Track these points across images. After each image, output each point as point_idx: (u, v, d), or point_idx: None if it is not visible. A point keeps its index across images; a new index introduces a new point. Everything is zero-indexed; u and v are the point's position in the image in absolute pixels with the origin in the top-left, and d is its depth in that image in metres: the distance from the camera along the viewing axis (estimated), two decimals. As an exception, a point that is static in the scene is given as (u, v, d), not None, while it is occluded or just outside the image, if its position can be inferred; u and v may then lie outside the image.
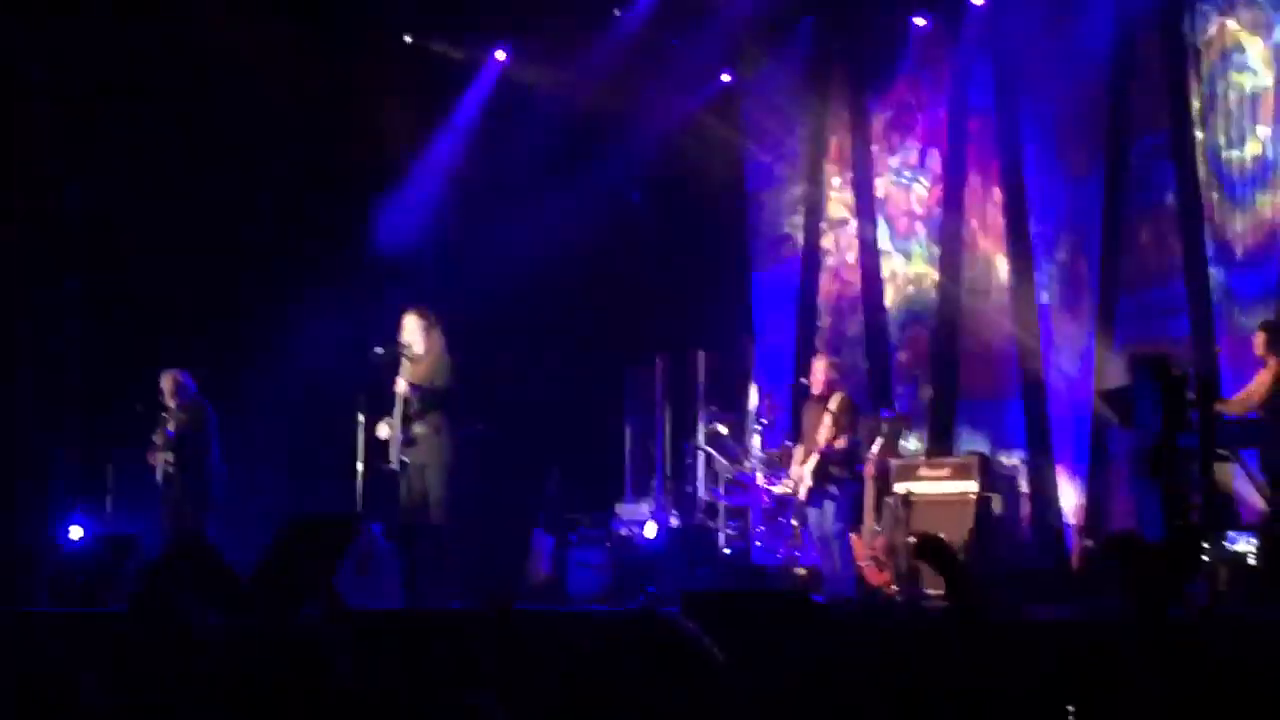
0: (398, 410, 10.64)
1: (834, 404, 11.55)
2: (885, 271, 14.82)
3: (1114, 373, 12.24)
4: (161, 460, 12.19)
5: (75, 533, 12.83)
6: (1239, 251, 12.48)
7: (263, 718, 3.71)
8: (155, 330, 13.46)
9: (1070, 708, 5.18)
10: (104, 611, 9.63)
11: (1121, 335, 12.85)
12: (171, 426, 12.21)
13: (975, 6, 13.87)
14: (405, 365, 10.82)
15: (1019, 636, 6.41)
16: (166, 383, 12.32)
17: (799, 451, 11.73)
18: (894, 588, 11.65)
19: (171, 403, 12.28)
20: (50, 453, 13.12)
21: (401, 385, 10.59)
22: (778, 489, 12.57)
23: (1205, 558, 8.29)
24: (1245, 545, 10.20)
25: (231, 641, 4.19)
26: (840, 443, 11.45)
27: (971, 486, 12.00)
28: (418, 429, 10.61)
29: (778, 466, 12.64)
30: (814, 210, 15.31)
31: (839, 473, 11.49)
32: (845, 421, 11.52)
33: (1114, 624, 6.53)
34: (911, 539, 11.23)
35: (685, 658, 3.14)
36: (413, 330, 10.82)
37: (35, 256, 13.15)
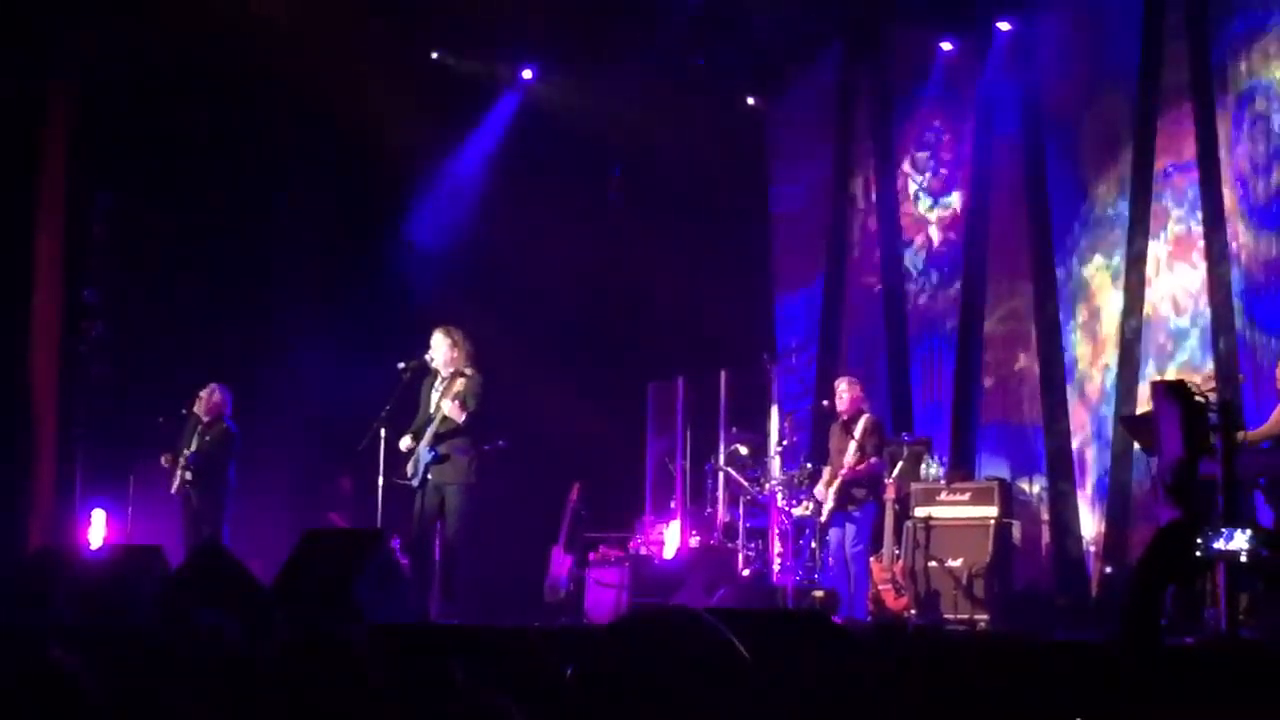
0: (430, 428, 10.64)
1: (860, 426, 11.64)
2: (908, 294, 14.83)
3: (1137, 399, 12.25)
4: (180, 477, 12.20)
5: (96, 541, 12.88)
6: (1264, 280, 12.42)
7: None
8: (183, 341, 13.52)
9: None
10: (127, 623, 9.64)
11: (1144, 362, 12.82)
12: (194, 446, 12.21)
13: (1002, 32, 13.89)
14: (436, 384, 10.82)
15: (1037, 658, 6.39)
16: (204, 397, 12.30)
17: (826, 473, 11.82)
18: (912, 612, 11.66)
19: (205, 417, 12.28)
20: (72, 460, 13.15)
21: (448, 405, 10.56)
22: (797, 511, 12.57)
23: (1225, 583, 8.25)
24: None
25: (257, 651, 4.19)
26: (866, 465, 11.57)
27: (991, 512, 12.03)
28: (445, 448, 10.62)
29: (797, 488, 12.64)
30: (838, 233, 15.33)
31: (861, 495, 11.59)
32: (871, 443, 11.62)
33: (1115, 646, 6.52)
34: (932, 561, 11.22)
35: (712, 655, 3.15)
36: (440, 348, 10.84)
37: (63, 266, 13.21)
